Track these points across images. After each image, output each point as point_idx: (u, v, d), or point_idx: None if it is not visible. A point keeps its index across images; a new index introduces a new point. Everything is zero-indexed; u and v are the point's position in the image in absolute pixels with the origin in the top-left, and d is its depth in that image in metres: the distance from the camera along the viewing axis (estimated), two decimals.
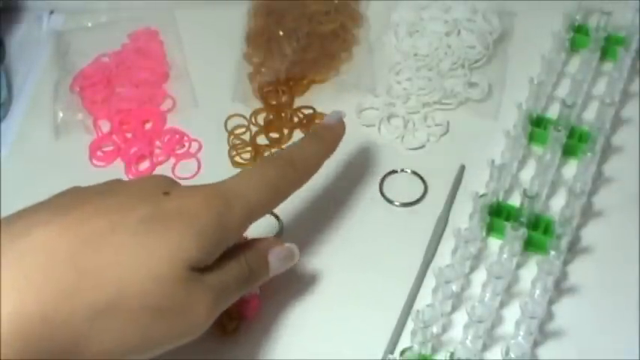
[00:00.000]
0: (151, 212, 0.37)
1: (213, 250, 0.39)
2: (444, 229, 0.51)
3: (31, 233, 0.35)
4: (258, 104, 0.59)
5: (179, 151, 0.57)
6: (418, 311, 0.42)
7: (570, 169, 0.53)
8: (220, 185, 0.41)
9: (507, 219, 0.49)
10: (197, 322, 0.38)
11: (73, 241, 0.35)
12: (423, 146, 0.56)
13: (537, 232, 0.48)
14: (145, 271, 0.36)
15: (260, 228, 0.50)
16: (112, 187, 0.40)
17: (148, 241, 0.37)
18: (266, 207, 0.43)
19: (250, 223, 0.42)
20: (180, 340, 0.38)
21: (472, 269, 0.48)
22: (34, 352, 0.33)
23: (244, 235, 0.43)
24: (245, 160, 0.55)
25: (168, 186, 0.41)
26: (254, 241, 0.44)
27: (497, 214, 0.50)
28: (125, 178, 0.55)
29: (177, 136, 0.57)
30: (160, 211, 0.38)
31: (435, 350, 0.45)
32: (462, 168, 0.54)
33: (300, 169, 0.45)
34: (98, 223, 0.36)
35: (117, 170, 0.55)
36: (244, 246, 0.43)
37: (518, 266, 0.49)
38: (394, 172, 0.54)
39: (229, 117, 0.58)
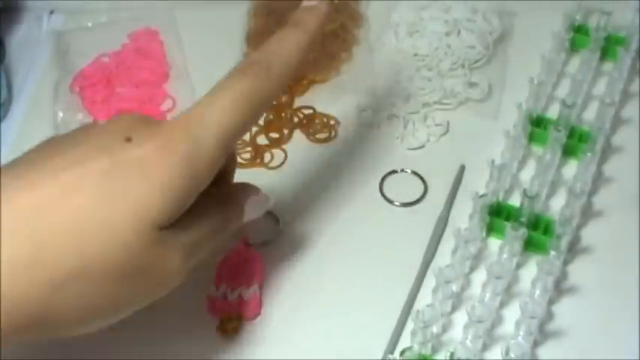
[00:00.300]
0: (108, 165, 0.34)
1: (182, 203, 0.36)
2: (444, 229, 0.51)
3: None
4: None
5: None
6: (418, 311, 0.42)
7: (570, 169, 0.53)
8: (185, 118, 0.37)
9: (507, 219, 0.49)
10: (168, 280, 0.37)
11: (26, 208, 0.33)
12: (423, 146, 0.56)
13: (537, 232, 0.48)
14: (107, 236, 0.33)
15: (259, 230, 0.50)
16: (77, 134, 0.38)
17: (109, 201, 0.34)
18: (242, 130, 0.39)
19: (227, 154, 0.38)
20: (153, 298, 0.37)
21: (472, 269, 0.48)
22: (9, 331, 0.32)
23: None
24: (245, 160, 0.55)
25: (132, 128, 0.36)
26: (230, 188, 0.42)
27: (497, 214, 0.50)
28: None
29: None
30: (119, 163, 0.34)
31: (435, 350, 0.45)
32: (462, 168, 0.54)
33: (278, 72, 0.39)
34: (54, 184, 0.34)
35: None
36: (220, 194, 0.40)
37: (518, 266, 0.49)
38: (394, 172, 0.54)
39: None
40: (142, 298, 0.37)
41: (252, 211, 0.42)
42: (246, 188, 0.43)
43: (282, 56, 0.40)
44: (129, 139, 0.35)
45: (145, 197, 0.34)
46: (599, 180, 0.53)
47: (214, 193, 0.39)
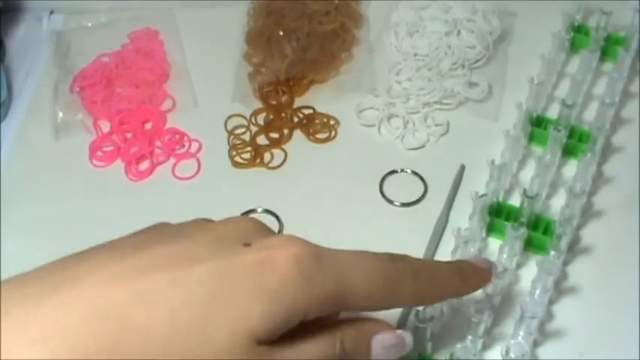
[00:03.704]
0: (218, 266, 0.32)
1: (287, 317, 0.32)
2: (444, 229, 0.51)
3: (81, 280, 0.31)
4: (258, 104, 0.59)
5: (179, 151, 0.57)
6: (418, 311, 0.42)
7: (570, 169, 0.53)
8: (323, 248, 0.34)
9: (507, 219, 0.49)
10: None
11: (124, 293, 0.30)
12: (423, 146, 0.56)
13: (537, 232, 0.48)
14: (199, 338, 0.30)
15: None
16: (192, 228, 0.35)
17: (210, 303, 0.31)
18: (365, 300, 0.35)
19: (337, 311, 0.35)
20: None
21: None
22: None
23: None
24: (245, 160, 0.55)
25: (254, 234, 0.34)
26: (356, 318, 0.37)
27: (497, 214, 0.50)
28: (124, 178, 0.55)
29: (177, 136, 0.57)
30: (230, 265, 0.32)
31: (435, 350, 0.45)
32: (462, 168, 0.54)
33: (422, 283, 0.37)
34: (157, 276, 0.31)
35: (117, 170, 0.55)
36: (342, 322, 0.36)
37: (518, 266, 0.49)
38: (394, 172, 0.54)
39: (229, 117, 0.58)
40: None
41: (382, 352, 0.36)
42: (376, 322, 0.37)
43: (431, 279, 0.38)
44: (248, 245, 0.34)
45: (248, 304, 0.31)
46: (599, 180, 0.53)
47: (335, 320, 0.36)
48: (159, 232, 0.35)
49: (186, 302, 0.31)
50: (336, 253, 0.34)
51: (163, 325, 0.30)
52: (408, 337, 0.38)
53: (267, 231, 0.36)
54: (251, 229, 0.35)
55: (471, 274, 0.40)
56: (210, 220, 0.37)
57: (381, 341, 0.36)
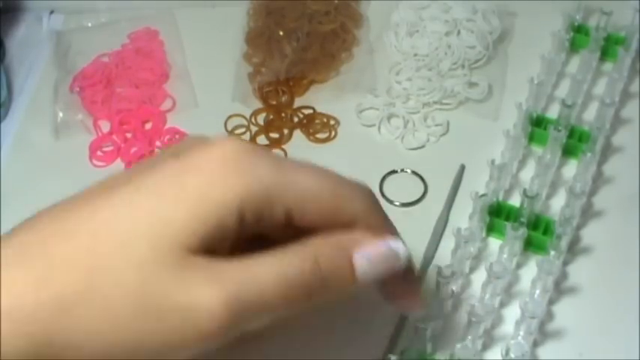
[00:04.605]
0: (140, 183, 0.29)
1: (218, 220, 0.28)
2: (444, 229, 0.51)
3: (27, 229, 0.30)
4: (258, 104, 0.59)
5: None
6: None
7: (570, 169, 0.53)
8: (263, 147, 0.32)
9: (507, 219, 0.49)
10: (202, 327, 0.28)
11: (45, 223, 0.30)
12: (423, 146, 0.56)
13: (537, 232, 0.48)
14: (120, 253, 0.28)
15: None
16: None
17: (130, 216, 0.28)
18: (313, 201, 0.31)
19: (281, 216, 0.30)
20: (180, 349, 0.29)
21: (472, 269, 0.48)
22: (10, 353, 0.28)
23: None
24: None
25: (190, 145, 0.31)
26: (335, 233, 0.31)
27: (497, 214, 0.50)
28: None
29: (177, 136, 0.57)
30: (155, 175, 0.29)
31: (435, 350, 0.45)
32: (462, 168, 0.54)
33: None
34: (85, 205, 0.30)
35: (117, 170, 0.55)
36: (315, 238, 0.31)
37: (518, 266, 0.49)
38: (394, 172, 0.54)
39: (229, 117, 0.58)
40: (162, 343, 0.28)
41: (369, 268, 0.31)
42: (358, 234, 0.32)
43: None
44: (176, 156, 0.31)
45: (170, 210, 0.28)
46: (599, 180, 0.53)
47: (309, 237, 0.31)
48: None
49: (107, 218, 0.29)
50: (277, 154, 0.31)
51: (82, 248, 0.28)
52: (399, 245, 0.32)
53: (198, 142, 0.32)
54: (184, 142, 0.32)
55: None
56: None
57: (366, 255, 0.31)
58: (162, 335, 0.28)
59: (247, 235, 0.30)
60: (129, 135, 0.57)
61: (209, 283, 0.28)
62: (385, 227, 0.34)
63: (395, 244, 0.32)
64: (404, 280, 0.35)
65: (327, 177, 0.32)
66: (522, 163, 0.54)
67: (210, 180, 0.29)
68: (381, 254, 0.32)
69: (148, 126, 0.58)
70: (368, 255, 0.31)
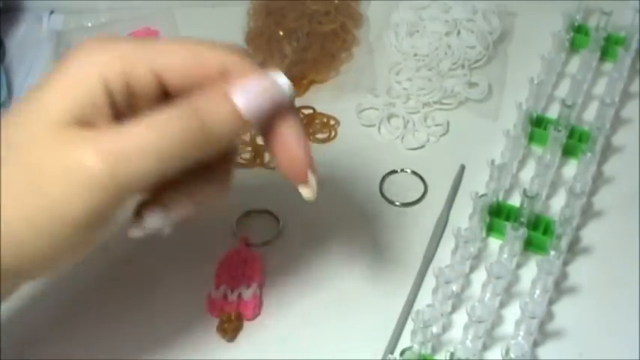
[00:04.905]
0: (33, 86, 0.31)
1: (88, 90, 0.30)
2: (444, 229, 0.51)
3: None
4: None
5: None
6: (418, 311, 0.42)
7: (570, 169, 0.53)
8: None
9: (507, 219, 0.49)
10: (84, 185, 0.29)
11: None
12: (423, 146, 0.56)
13: (537, 232, 0.48)
14: (13, 134, 0.30)
15: (259, 230, 0.50)
16: None
17: (27, 103, 0.31)
18: (175, 55, 0.32)
19: (142, 77, 0.31)
20: (69, 218, 0.30)
21: (472, 269, 0.48)
22: None
23: None
24: (245, 160, 0.55)
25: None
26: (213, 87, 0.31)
27: (497, 214, 0.50)
28: None
29: None
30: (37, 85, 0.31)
31: (435, 350, 0.45)
32: (462, 168, 0.54)
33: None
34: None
35: None
36: (194, 92, 0.31)
37: (518, 266, 0.49)
38: (394, 172, 0.54)
39: None
40: (50, 211, 0.29)
41: (248, 103, 0.30)
42: (231, 73, 0.32)
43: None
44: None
45: (41, 98, 0.30)
46: (599, 180, 0.53)
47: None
48: None
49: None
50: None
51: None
52: (281, 77, 0.31)
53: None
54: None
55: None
56: None
57: (245, 89, 0.30)
58: (50, 203, 0.29)
59: (131, 107, 0.31)
60: None
61: (84, 144, 0.29)
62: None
63: (276, 75, 0.32)
64: (291, 129, 0.34)
65: (186, 37, 0.33)
66: (522, 163, 0.54)
67: (76, 63, 0.31)
68: (262, 86, 0.31)
69: None
70: (247, 89, 0.31)
